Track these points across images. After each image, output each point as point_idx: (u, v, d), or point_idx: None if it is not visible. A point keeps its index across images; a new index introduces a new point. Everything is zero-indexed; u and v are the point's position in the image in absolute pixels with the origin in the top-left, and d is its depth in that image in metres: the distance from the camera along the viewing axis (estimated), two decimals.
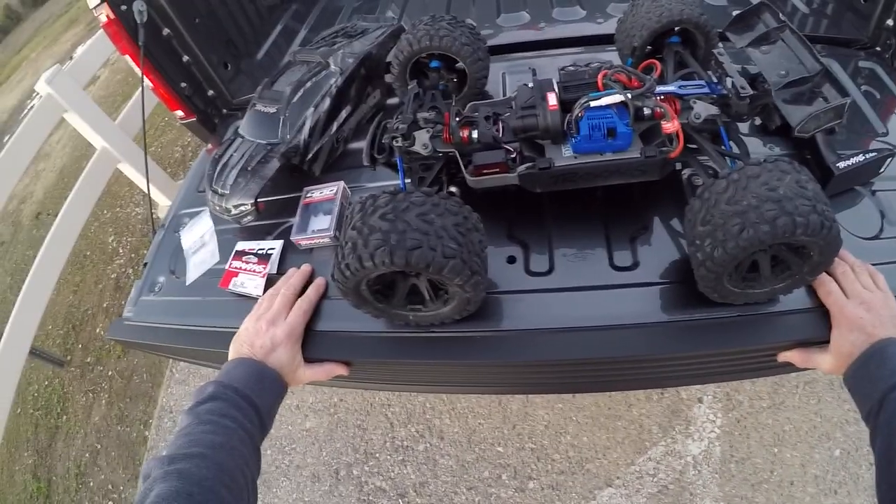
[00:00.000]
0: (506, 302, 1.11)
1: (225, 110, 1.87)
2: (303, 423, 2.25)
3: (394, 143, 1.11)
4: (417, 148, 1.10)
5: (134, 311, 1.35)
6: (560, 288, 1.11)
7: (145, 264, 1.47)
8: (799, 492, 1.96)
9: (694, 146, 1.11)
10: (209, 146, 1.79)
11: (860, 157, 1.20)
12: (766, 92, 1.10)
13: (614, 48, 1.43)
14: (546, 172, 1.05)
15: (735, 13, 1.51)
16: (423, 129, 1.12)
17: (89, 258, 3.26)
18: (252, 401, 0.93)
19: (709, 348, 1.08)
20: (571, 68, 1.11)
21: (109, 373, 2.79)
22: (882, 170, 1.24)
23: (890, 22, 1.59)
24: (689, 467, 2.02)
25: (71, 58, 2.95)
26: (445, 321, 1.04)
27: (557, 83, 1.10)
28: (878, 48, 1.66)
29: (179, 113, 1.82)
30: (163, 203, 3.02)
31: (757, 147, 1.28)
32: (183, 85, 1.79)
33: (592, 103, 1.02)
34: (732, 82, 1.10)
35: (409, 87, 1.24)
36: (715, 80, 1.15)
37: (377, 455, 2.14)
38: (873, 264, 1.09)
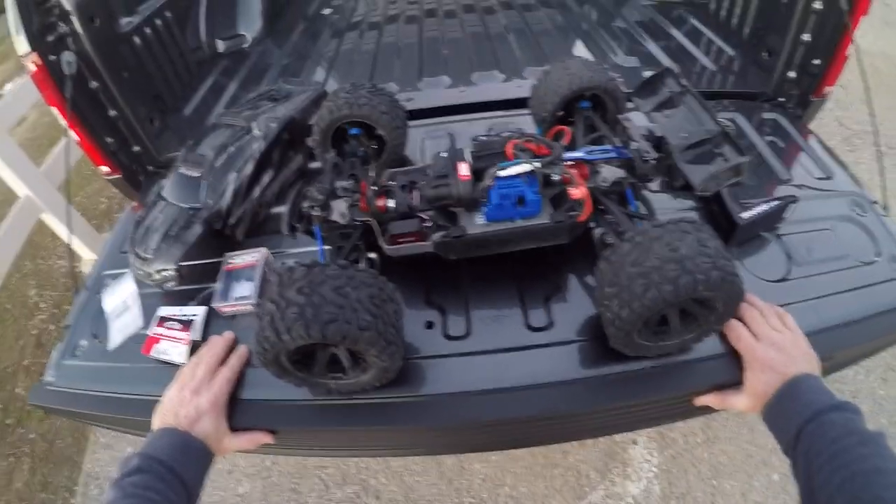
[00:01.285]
0: (425, 367, 1.12)
1: (151, 167, 1.84)
2: (235, 489, 2.16)
3: (312, 212, 1.12)
4: (335, 217, 1.12)
5: (55, 375, 1.30)
6: (478, 351, 1.14)
7: (66, 326, 1.42)
8: None
9: (603, 207, 1.16)
10: (134, 204, 1.76)
11: (763, 207, 1.28)
12: (668, 154, 1.17)
13: (529, 112, 1.49)
14: (460, 240, 1.09)
15: (644, 76, 1.62)
16: (341, 198, 1.14)
17: (10, 312, 3.09)
18: (177, 473, 0.92)
19: (625, 400, 1.11)
20: (483, 138, 1.16)
21: (31, 435, 2.63)
22: (786, 216, 1.32)
23: (792, 74, 1.73)
24: None
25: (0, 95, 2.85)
26: (366, 388, 1.05)
27: (470, 152, 1.14)
28: (781, 99, 1.79)
29: (105, 168, 1.79)
30: (87, 257, 2.91)
31: (667, 202, 1.35)
32: (109, 140, 1.76)
33: (501, 173, 1.06)
34: (637, 146, 1.16)
35: (328, 156, 1.26)
36: (621, 144, 1.21)
37: None
38: (784, 305, 1.15)
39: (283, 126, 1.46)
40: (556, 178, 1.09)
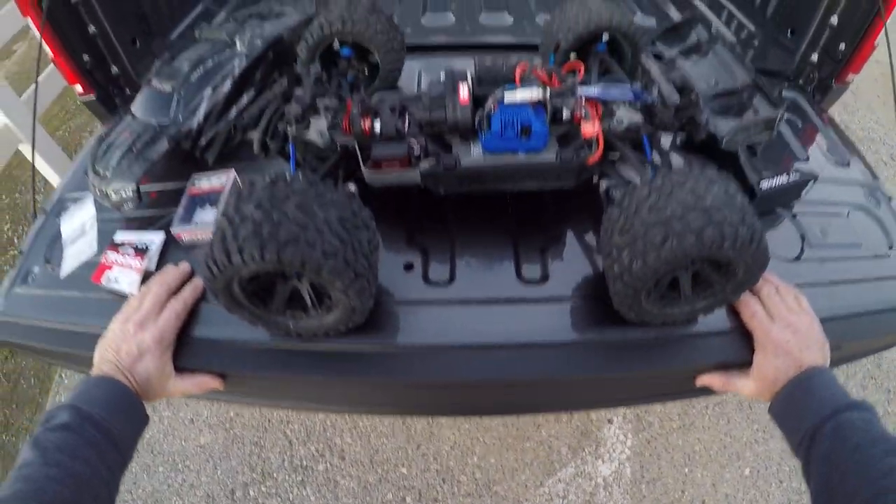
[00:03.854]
0: (400, 313, 1.00)
1: (128, 90, 1.71)
2: (197, 439, 2.08)
3: (287, 128, 0.99)
4: (313, 136, 0.99)
5: (4, 304, 1.18)
6: (461, 300, 1.02)
7: (21, 252, 1.30)
8: None
9: (613, 158, 1.04)
10: (107, 123, 1.63)
11: (783, 178, 1.18)
12: (694, 101, 1.04)
13: (540, 52, 1.37)
14: (451, 171, 0.96)
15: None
16: (321, 116, 1.00)
17: None
18: (111, 433, 0.81)
19: (623, 371, 1.01)
20: (489, 61, 1.02)
21: None
22: (804, 193, 1.22)
23: (814, 57, 1.62)
24: (600, 489, 1.98)
25: None
26: (330, 332, 0.93)
27: (471, 75, 1.00)
28: (801, 81, 1.68)
29: (78, 87, 1.65)
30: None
31: (682, 160, 1.23)
32: (85, 58, 1.62)
33: (507, 97, 0.93)
34: (659, 90, 1.03)
35: (312, 67, 1.13)
36: (640, 85, 1.08)
37: (275, 475, 2.00)
38: (796, 285, 1.05)
39: (269, 44, 1.33)
40: (567, 113, 0.96)
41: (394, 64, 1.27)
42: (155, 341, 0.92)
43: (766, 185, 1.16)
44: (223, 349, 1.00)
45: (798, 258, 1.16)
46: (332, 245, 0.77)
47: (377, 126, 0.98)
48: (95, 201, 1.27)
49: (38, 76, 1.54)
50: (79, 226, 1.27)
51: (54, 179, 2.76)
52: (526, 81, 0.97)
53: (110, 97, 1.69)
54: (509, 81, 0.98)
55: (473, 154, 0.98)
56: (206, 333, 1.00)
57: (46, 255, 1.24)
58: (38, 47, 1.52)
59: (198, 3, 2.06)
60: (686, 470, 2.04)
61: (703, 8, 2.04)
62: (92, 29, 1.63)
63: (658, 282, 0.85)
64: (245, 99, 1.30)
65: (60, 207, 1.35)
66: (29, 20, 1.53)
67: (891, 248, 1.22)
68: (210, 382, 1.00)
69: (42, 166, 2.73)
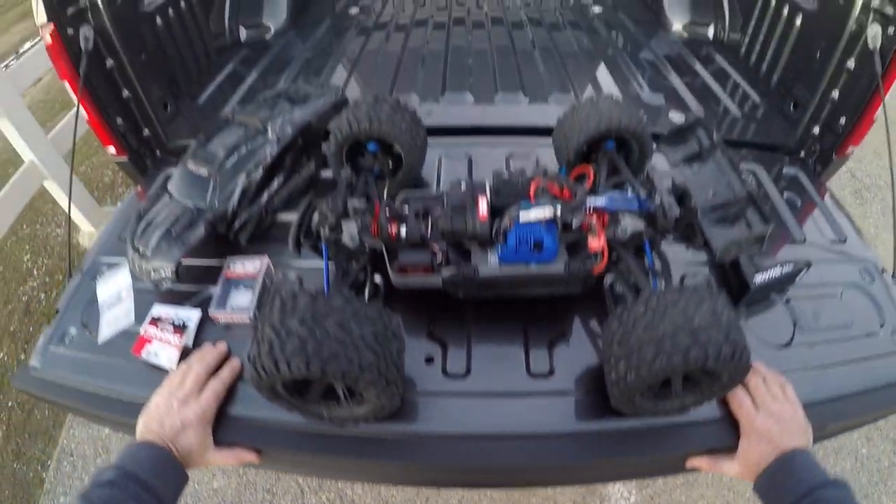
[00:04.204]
0: (422, 403, 1.09)
1: (159, 152, 1.80)
2: (210, 483, 2.13)
3: (321, 231, 1.09)
4: (345, 239, 1.08)
5: (41, 361, 1.26)
6: (476, 392, 1.10)
7: (57, 310, 1.38)
8: None
9: (617, 258, 1.13)
10: (139, 189, 1.72)
11: (777, 271, 1.25)
12: (692, 212, 1.13)
13: (551, 142, 1.45)
14: (470, 279, 1.05)
15: (670, 117, 1.58)
16: (351, 219, 1.10)
17: (1, 274, 3.05)
18: (155, 492, 0.90)
19: (619, 458, 1.08)
20: (505, 175, 1.12)
21: (10, 403, 2.60)
22: (798, 279, 1.29)
23: (816, 130, 1.70)
24: None
25: (17, 53, 2.80)
26: (359, 420, 1.02)
27: (490, 187, 1.10)
28: (802, 153, 1.76)
29: (111, 149, 1.75)
30: (85, 228, 2.87)
31: (681, 252, 1.31)
32: (119, 121, 1.72)
33: (522, 216, 1.02)
34: (661, 201, 1.12)
35: (343, 173, 1.22)
36: (644, 194, 1.17)
37: None
38: (784, 371, 1.14)
39: (299, 131, 1.42)
40: (576, 223, 1.05)
41: (417, 160, 1.35)
42: (197, 417, 1.01)
43: (759, 278, 1.24)
44: (259, 427, 1.08)
45: (788, 344, 1.23)
46: (367, 360, 0.86)
47: (403, 231, 1.08)
48: (131, 271, 1.34)
49: (74, 142, 1.63)
50: (115, 292, 1.35)
51: (77, 215, 2.85)
52: (539, 196, 1.06)
53: (142, 158, 1.78)
54: (524, 195, 1.07)
55: (490, 263, 1.07)
56: (243, 412, 1.09)
57: (83, 319, 1.31)
58: (76, 113, 1.62)
59: (225, 66, 2.15)
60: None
61: (709, 78, 2.13)
62: (126, 93, 1.72)
63: (651, 385, 0.94)
64: (276, 184, 1.39)
65: (95, 270, 1.42)
66: (66, 84, 1.62)
67: (882, 325, 1.29)
68: (246, 456, 1.08)
69: (64, 202, 2.80)
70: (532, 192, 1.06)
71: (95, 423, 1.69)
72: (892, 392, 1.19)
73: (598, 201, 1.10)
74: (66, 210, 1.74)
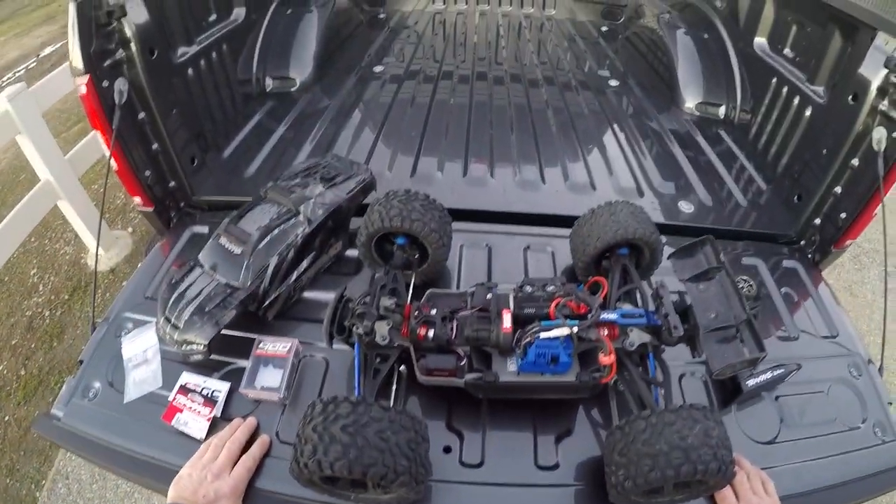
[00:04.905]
0: (439, 491, 1.18)
1: (183, 204, 1.86)
2: None
3: (355, 330, 1.17)
4: (377, 339, 1.17)
5: (65, 411, 1.32)
6: (489, 483, 1.19)
7: (80, 361, 1.43)
8: None
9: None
10: (163, 241, 1.77)
11: (768, 375, 1.36)
12: (694, 329, 1.22)
13: (567, 234, 1.55)
14: (490, 385, 1.15)
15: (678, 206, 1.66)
16: (382, 319, 1.18)
17: (6, 286, 3.08)
18: None
19: None
20: (529, 289, 1.21)
21: (7, 418, 2.63)
22: (787, 379, 1.39)
23: (817, 221, 1.79)
24: None
25: (37, 56, 2.83)
26: None
27: (514, 299, 1.19)
28: (802, 243, 1.85)
29: (137, 199, 1.79)
30: (93, 249, 2.91)
31: (683, 351, 1.36)
32: (147, 173, 1.76)
33: (543, 335, 1.12)
34: (667, 316, 1.22)
35: (377, 276, 1.30)
36: (653, 307, 1.27)
37: None
38: (768, 467, 1.25)
39: (329, 214, 1.50)
40: (589, 338, 1.16)
41: (443, 255, 1.43)
42: (231, 489, 1.09)
43: (751, 382, 1.34)
44: (287, 502, 1.16)
45: (773, 440, 1.33)
46: (402, 466, 0.97)
47: (430, 335, 1.17)
48: (160, 338, 1.40)
49: (104, 196, 1.68)
50: (141, 352, 1.40)
51: (84, 233, 2.88)
52: (558, 313, 1.16)
53: (167, 211, 1.83)
54: (545, 310, 1.17)
55: (509, 369, 1.17)
56: (272, 487, 1.17)
57: (109, 377, 1.37)
58: (107, 165, 1.67)
59: (251, 117, 2.21)
60: None
61: (720, 166, 2.20)
62: (155, 146, 1.77)
63: (646, 490, 1.04)
64: (305, 263, 1.47)
65: (119, 325, 1.48)
66: (98, 133, 1.67)
67: (864, 420, 1.38)
68: None
69: (76, 223, 2.84)
70: (552, 310, 1.16)
71: (116, 475, 1.73)
72: (869, 483, 1.29)
73: (610, 316, 1.21)
74: (93, 258, 1.78)
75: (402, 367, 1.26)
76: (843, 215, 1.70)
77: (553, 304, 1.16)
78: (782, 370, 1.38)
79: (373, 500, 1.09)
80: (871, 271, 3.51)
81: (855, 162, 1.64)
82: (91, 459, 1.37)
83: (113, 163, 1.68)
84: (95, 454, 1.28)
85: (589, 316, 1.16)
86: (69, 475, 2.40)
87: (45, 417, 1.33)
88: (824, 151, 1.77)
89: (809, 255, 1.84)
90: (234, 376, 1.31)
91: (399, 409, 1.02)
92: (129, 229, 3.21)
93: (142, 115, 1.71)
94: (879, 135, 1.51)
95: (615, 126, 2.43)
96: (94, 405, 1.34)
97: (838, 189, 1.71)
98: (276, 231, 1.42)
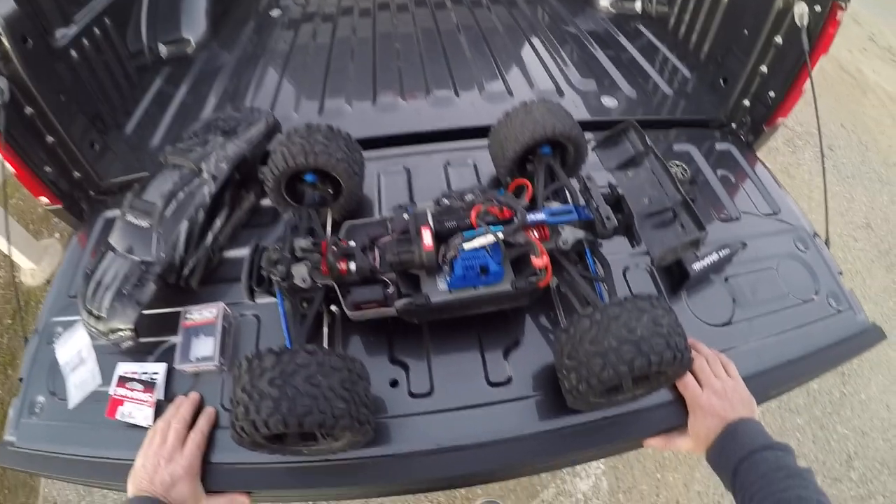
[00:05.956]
0: (392, 426, 1.14)
1: (93, 193, 1.74)
2: None
3: (272, 277, 1.11)
4: (297, 282, 1.10)
5: (17, 435, 1.25)
6: (441, 409, 1.16)
7: (20, 379, 1.36)
8: None
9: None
10: (80, 234, 1.67)
11: (714, 257, 1.34)
12: (629, 217, 1.18)
13: (487, 144, 1.49)
14: (423, 307, 1.09)
15: (602, 101, 1.61)
16: (301, 260, 1.12)
17: None
18: None
19: (581, 451, 1.18)
20: (446, 201, 1.15)
21: None
22: (734, 259, 1.38)
23: (746, 102, 1.77)
24: (581, 503, 2.15)
25: None
26: (338, 452, 1.06)
27: (432, 215, 1.13)
28: (733, 125, 1.83)
29: (44, 199, 1.68)
30: (25, 265, 2.77)
31: (623, 244, 1.34)
32: (47, 169, 1.64)
33: (466, 245, 1.06)
34: (598, 208, 1.17)
35: (286, 216, 1.22)
36: (583, 201, 1.22)
37: None
38: (727, 349, 1.24)
39: (234, 166, 1.41)
40: (518, 242, 1.10)
41: (356, 185, 1.36)
42: (185, 470, 1.05)
43: (698, 266, 1.32)
44: (245, 471, 1.12)
45: (729, 322, 1.32)
46: (339, 409, 0.91)
47: (352, 267, 1.11)
48: (89, 333, 1.32)
49: (6, 201, 1.57)
50: (75, 353, 1.33)
51: (10, 251, 2.74)
52: (481, 221, 1.10)
53: (77, 203, 1.72)
54: (466, 220, 1.11)
55: (440, 289, 1.11)
56: (227, 458, 1.13)
57: (50, 387, 1.30)
58: (1, 169, 1.55)
59: (149, 88, 2.07)
60: (658, 475, 2.23)
61: (638, 55, 2.17)
62: (50, 139, 1.65)
63: (602, 390, 1.00)
64: (218, 222, 1.39)
65: (51, 332, 1.40)
66: None
67: (817, 292, 1.39)
68: (238, 498, 1.12)
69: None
70: (473, 219, 1.10)
71: (83, 485, 1.68)
72: (829, 353, 1.30)
73: (538, 216, 1.15)
74: (28, 275, 1.67)
75: (334, 308, 1.20)
76: (771, 94, 1.68)
77: (473, 213, 1.10)
78: (728, 250, 1.37)
79: (326, 451, 1.05)
80: (805, 153, 3.57)
81: (778, 40, 1.61)
82: (53, 476, 1.33)
83: (9, 167, 1.57)
84: (55, 469, 1.22)
85: (515, 219, 1.11)
86: (56, 499, 2.35)
87: (1, 447, 1.26)
88: (746, 32, 1.74)
89: (742, 137, 1.82)
90: (171, 355, 1.24)
91: (326, 350, 0.96)
92: (57, 235, 3.08)
93: (29, 110, 1.57)
94: (801, 10, 1.48)
95: (531, 37, 2.35)
96: (41, 420, 1.27)
97: (764, 68, 1.69)
98: (181, 195, 1.34)
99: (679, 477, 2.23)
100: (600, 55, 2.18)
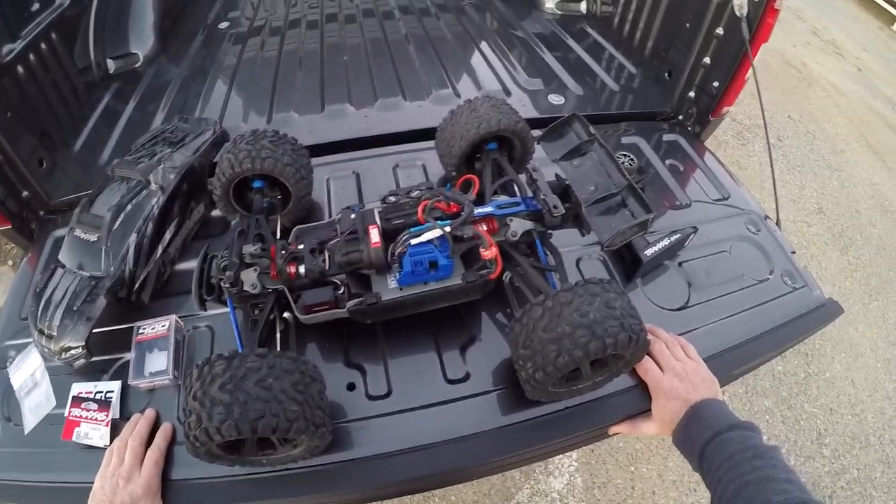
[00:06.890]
0: (352, 430, 1.13)
1: (42, 212, 1.71)
2: None
3: (222, 285, 1.09)
4: (247, 288, 1.09)
5: None
6: (399, 410, 1.15)
7: None
8: (662, 499, 2.17)
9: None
10: (30, 255, 1.64)
11: (665, 242, 1.36)
12: (577, 205, 1.20)
13: (435, 149, 1.50)
14: (374, 307, 1.09)
15: (549, 99, 1.62)
16: (250, 265, 1.11)
17: None
18: None
19: (544, 443, 1.16)
20: (392, 199, 1.16)
21: None
22: (687, 244, 1.40)
23: (691, 93, 1.81)
24: (556, 502, 2.15)
25: None
26: (297, 459, 1.05)
27: (379, 213, 1.13)
28: (680, 117, 1.87)
29: None
30: None
31: (575, 235, 1.37)
32: None
33: (413, 240, 1.06)
34: (544, 198, 1.19)
35: (233, 223, 1.22)
36: (529, 194, 1.23)
37: None
38: (686, 332, 1.26)
39: (182, 176, 1.39)
40: (467, 235, 1.11)
41: (304, 189, 1.35)
42: (144, 489, 1.03)
43: (650, 252, 1.34)
44: (205, 485, 1.10)
45: (685, 305, 1.34)
46: (293, 412, 0.89)
47: (302, 270, 1.11)
48: (41, 353, 1.29)
49: None
50: (28, 376, 1.29)
51: None
52: (428, 216, 1.10)
53: (26, 224, 1.68)
54: (413, 217, 1.12)
55: (390, 287, 1.11)
56: (186, 474, 1.10)
57: (5, 413, 1.26)
58: None
59: (97, 104, 2.05)
60: (632, 468, 2.24)
61: (584, 54, 2.22)
62: None
63: (560, 377, 1.01)
64: (168, 234, 1.37)
65: (3, 357, 1.36)
66: None
67: (771, 271, 1.42)
68: None
69: None
70: (420, 214, 1.11)
71: None
72: (788, 329, 1.32)
73: (485, 209, 1.16)
74: None
75: (287, 315, 1.20)
76: (715, 84, 1.72)
77: (420, 209, 1.11)
78: (679, 235, 1.39)
79: (286, 459, 1.03)
80: (755, 145, 3.67)
81: (720, 31, 1.65)
82: None
83: None
84: (13, 498, 1.17)
85: (462, 213, 1.11)
86: None
87: None
88: (687, 25, 1.78)
89: (689, 128, 1.86)
90: (125, 372, 1.22)
91: (277, 352, 0.95)
92: (10, 262, 3.01)
93: None
94: (740, 0, 1.51)
95: (480, 42, 2.38)
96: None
97: (707, 60, 1.73)
98: (129, 207, 1.31)
99: (653, 468, 2.24)
100: (548, 56, 2.22)
